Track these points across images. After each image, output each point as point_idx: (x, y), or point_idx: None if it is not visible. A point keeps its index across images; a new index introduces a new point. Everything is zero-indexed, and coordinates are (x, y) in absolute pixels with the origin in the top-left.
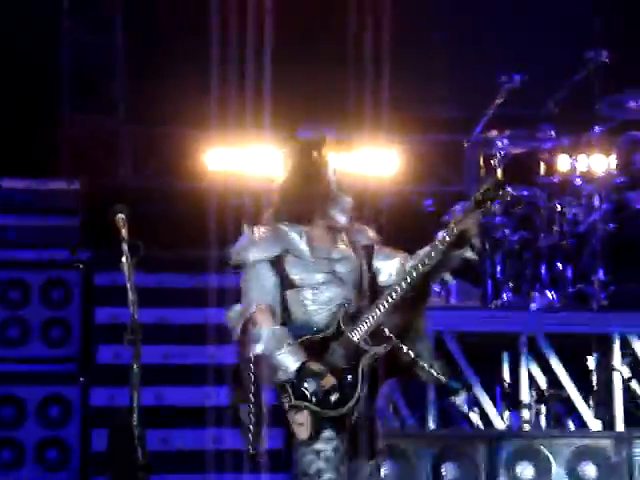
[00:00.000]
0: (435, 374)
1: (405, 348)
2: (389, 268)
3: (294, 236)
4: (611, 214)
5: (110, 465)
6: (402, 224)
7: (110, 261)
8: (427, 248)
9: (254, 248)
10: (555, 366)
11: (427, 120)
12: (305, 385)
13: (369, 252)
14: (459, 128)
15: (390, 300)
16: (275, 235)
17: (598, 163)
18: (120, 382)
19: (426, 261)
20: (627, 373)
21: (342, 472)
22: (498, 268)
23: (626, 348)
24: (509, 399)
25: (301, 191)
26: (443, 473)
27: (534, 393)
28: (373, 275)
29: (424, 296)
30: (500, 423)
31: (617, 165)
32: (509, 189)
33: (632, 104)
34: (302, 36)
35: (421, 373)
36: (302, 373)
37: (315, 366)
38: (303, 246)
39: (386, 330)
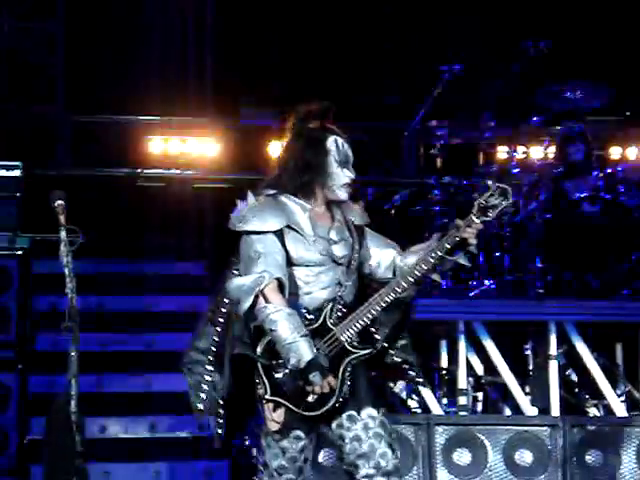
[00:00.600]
0: (420, 379)
1: (392, 352)
2: (380, 258)
3: (297, 210)
4: (549, 204)
5: (48, 452)
6: None
7: (49, 248)
8: (423, 253)
9: (260, 217)
10: (492, 353)
11: (367, 107)
12: (289, 379)
13: (360, 232)
14: (398, 116)
15: (383, 304)
16: (277, 207)
17: (536, 153)
18: (59, 370)
19: (423, 267)
20: (563, 360)
21: (305, 474)
22: None
23: (562, 336)
24: (447, 386)
25: (302, 162)
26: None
27: (471, 380)
28: (363, 257)
29: (411, 295)
30: (438, 409)
31: (555, 155)
32: (509, 195)
33: (569, 95)
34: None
35: (405, 377)
36: (312, 366)
37: (324, 361)
38: (305, 222)
39: (374, 331)
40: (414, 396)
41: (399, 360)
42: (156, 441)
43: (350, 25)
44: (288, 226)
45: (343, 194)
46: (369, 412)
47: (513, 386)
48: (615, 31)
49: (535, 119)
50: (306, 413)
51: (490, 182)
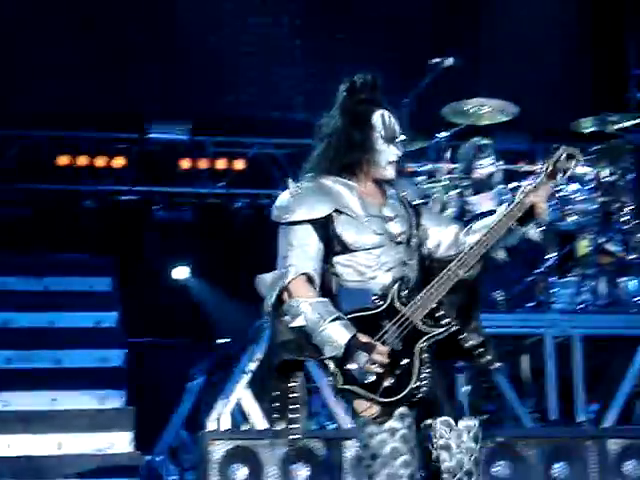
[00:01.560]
0: (495, 364)
1: (464, 335)
2: (440, 237)
3: (344, 191)
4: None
5: None
6: (253, 226)
7: None
8: (490, 223)
9: (298, 206)
10: None
11: (275, 123)
12: (354, 366)
13: (417, 211)
14: (308, 132)
15: (452, 279)
16: (322, 191)
17: (443, 167)
18: None
19: (491, 237)
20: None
21: (417, 455)
22: None
23: None
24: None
25: (346, 139)
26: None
27: None
28: (421, 238)
29: (480, 274)
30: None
31: (460, 170)
32: (579, 157)
33: (477, 110)
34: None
35: (478, 362)
36: (352, 346)
37: (365, 338)
38: (355, 203)
39: (443, 312)
40: (322, 410)
41: (473, 343)
42: (63, 458)
43: (261, 41)
44: (337, 210)
45: (390, 172)
46: (467, 423)
47: None
48: (520, 49)
49: (442, 134)
50: (383, 399)
51: (557, 146)
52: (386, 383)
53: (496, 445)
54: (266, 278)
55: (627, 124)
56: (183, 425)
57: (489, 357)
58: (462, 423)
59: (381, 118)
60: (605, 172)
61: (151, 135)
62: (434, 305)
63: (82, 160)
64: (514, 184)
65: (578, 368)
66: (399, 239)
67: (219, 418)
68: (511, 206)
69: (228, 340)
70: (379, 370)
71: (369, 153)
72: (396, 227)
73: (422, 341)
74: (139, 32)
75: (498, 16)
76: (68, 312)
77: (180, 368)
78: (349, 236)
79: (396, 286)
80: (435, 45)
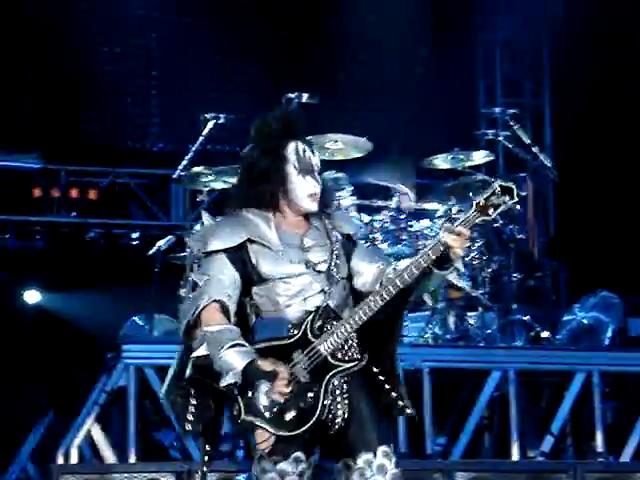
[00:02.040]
0: (406, 408)
1: (375, 371)
2: (368, 272)
3: (259, 222)
4: None
5: None
6: (107, 256)
7: None
8: (408, 263)
9: (213, 237)
10: None
11: (133, 153)
12: (257, 395)
13: (350, 242)
14: (165, 162)
15: (365, 314)
16: (237, 222)
17: None
18: None
19: (406, 277)
20: None
21: None
22: None
23: None
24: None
25: (258, 171)
26: None
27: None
28: (351, 271)
29: (397, 317)
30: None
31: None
32: (514, 194)
33: (330, 145)
34: None
35: (389, 401)
36: (251, 374)
37: (267, 365)
38: (270, 233)
39: (357, 345)
40: (175, 444)
41: (387, 387)
42: None
43: (116, 70)
44: (252, 240)
45: (310, 204)
46: (366, 457)
47: None
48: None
49: None
50: (284, 433)
51: (493, 180)
52: (289, 416)
53: None
54: (183, 307)
55: (478, 162)
56: (31, 458)
57: (402, 403)
58: (360, 459)
59: (295, 150)
60: (455, 208)
61: (2, 163)
62: (345, 339)
63: None
64: (368, 218)
65: (427, 401)
66: (318, 268)
67: (68, 451)
68: (427, 247)
69: (78, 371)
70: (280, 399)
71: (284, 185)
72: (316, 256)
73: (331, 374)
74: None
75: (355, 54)
76: None
77: (30, 401)
78: (263, 266)
79: (310, 317)
80: (292, 80)
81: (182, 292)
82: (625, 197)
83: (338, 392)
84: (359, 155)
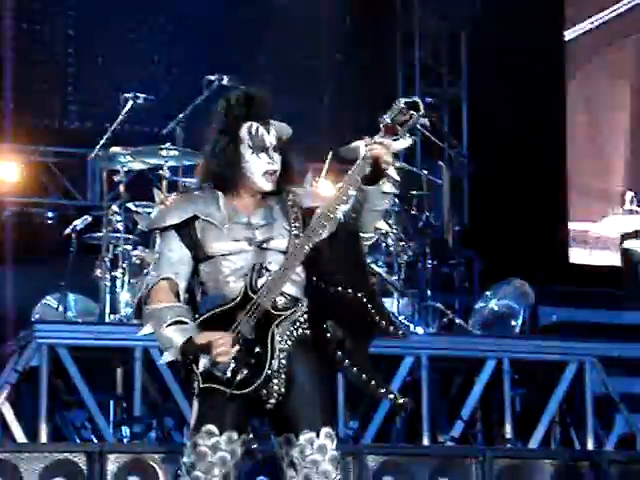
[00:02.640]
0: (390, 326)
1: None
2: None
3: (209, 200)
4: None
5: None
6: (23, 235)
7: None
8: (340, 184)
9: (163, 215)
10: (168, 379)
11: (50, 132)
12: (201, 366)
13: (313, 213)
14: (83, 141)
15: (298, 256)
16: (187, 200)
17: None
18: None
19: (343, 198)
20: None
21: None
22: (118, 284)
23: None
24: (123, 413)
25: (212, 151)
26: None
27: (146, 407)
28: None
29: (356, 250)
30: (110, 437)
31: None
32: (421, 107)
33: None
34: None
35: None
36: (189, 350)
37: (202, 338)
38: (217, 211)
39: (296, 291)
40: (87, 424)
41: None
42: None
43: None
44: (198, 218)
45: (264, 183)
46: (308, 435)
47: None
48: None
49: None
50: (237, 391)
51: (398, 100)
52: (240, 375)
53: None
54: (138, 285)
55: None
56: None
57: (384, 321)
58: (303, 437)
59: (247, 129)
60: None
61: None
62: (285, 285)
63: None
64: None
65: (340, 385)
66: (264, 245)
67: None
68: (355, 166)
69: None
70: (227, 361)
71: (237, 164)
72: (262, 234)
73: (274, 325)
74: None
75: (276, 38)
76: None
77: None
78: (208, 242)
79: (249, 275)
80: (214, 63)
81: (98, 272)
82: (537, 188)
83: (277, 364)
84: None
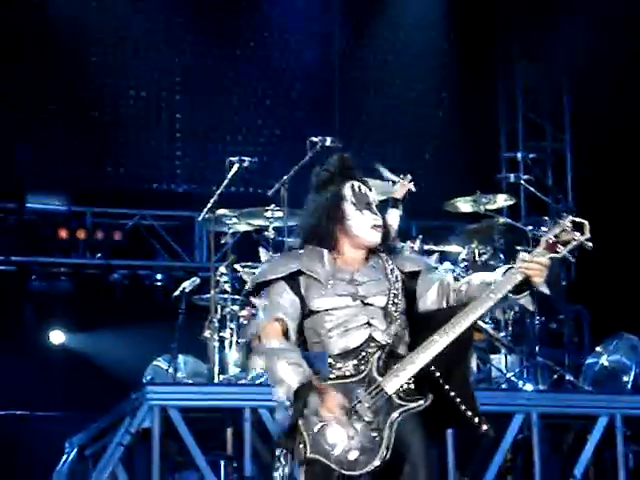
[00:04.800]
0: (484, 428)
1: (453, 396)
2: (430, 295)
3: (313, 257)
4: None
5: None
6: (132, 297)
7: None
8: (481, 294)
9: (270, 269)
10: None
11: (158, 195)
12: (307, 410)
13: (413, 277)
14: (190, 204)
15: (430, 354)
16: (291, 257)
17: None
18: None
19: (478, 312)
20: None
21: None
22: (227, 344)
23: None
24: (234, 474)
25: (317, 211)
26: None
27: (256, 468)
28: (413, 301)
29: (469, 337)
30: None
31: None
32: (586, 231)
33: None
34: None
35: (466, 425)
36: (304, 392)
37: (319, 384)
38: (321, 268)
39: (421, 384)
40: None
41: (470, 414)
42: None
43: (140, 114)
44: (301, 273)
45: (373, 236)
46: None
47: None
48: (395, 130)
49: None
50: (348, 472)
51: (564, 216)
52: (352, 455)
53: None
54: (246, 330)
55: (499, 205)
56: None
57: (485, 426)
58: None
59: (350, 187)
60: (477, 251)
61: (29, 205)
62: (412, 376)
63: None
64: None
65: (450, 443)
66: (368, 301)
67: None
68: (502, 281)
69: (103, 412)
70: (329, 415)
71: (342, 222)
72: (366, 290)
73: (396, 414)
74: (18, 103)
75: (373, 98)
76: None
77: (53, 441)
78: (311, 298)
79: (377, 354)
80: (315, 124)
81: (206, 333)
82: None
83: (400, 430)
84: (383, 198)
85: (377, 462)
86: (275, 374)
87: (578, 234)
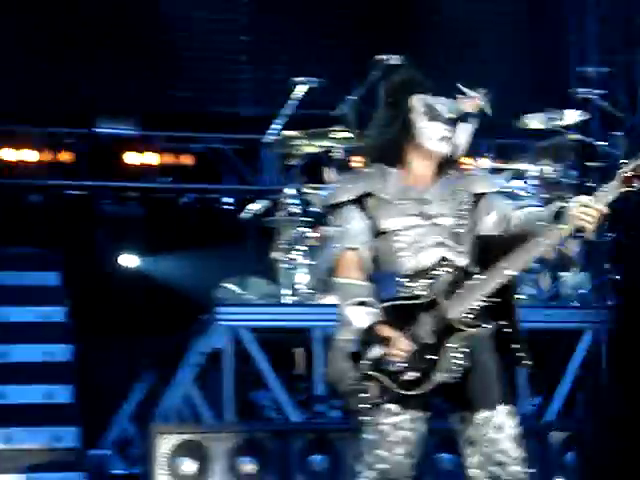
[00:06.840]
0: (524, 360)
1: (501, 325)
2: (488, 219)
3: (379, 176)
4: None
5: None
6: (201, 221)
7: None
8: (545, 223)
9: (339, 192)
10: None
11: (225, 118)
12: (371, 354)
13: (479, 199)
14: (257, 126)
15: (498, 277)
16: (359, 178)
17: None
18: None
19: (544, 242)
20: None
21: (401, 454)
22: (296, 266)
23: None
24: (306, 393)
25: (383, 122)
26: (238, 467)
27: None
28: (474, 223)
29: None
30: (296, 417)
31: None
32: None
33: None
34: None
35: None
36: (369, 335)
37: (384, 331)
38: (389, 186)
39: (484, 310)
40: (271, 404)
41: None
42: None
43: (207, 37)
44: (369, 194)
45: (442, 147)
46: (484, 414)
47: None
48: (461, 48)
49: None
50: (402, 391)
51: None
52: (408, 376)
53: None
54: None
55: (571, 121)
56: (131, 419)
57: (523, 354)
58: (479, 415)
59: (420, 99)
60: (548, 169)
61: (99, 129)
62: (474, 303)
63: (29, 155)
64: None
65: None
66: (436, 221)
67: (167, 412)
68: (560, 225)
69: (176, 334)
70: (396, 363)
71: (409, 132)
72: (435, 208)
73: (454, 338)
74: (87, 27)
75: (439, 16)
76: (16, 306)
77: (129, 362)
78: (379, 218)
79: (446, 275)
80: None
81: (275, 255)
82: None
83: (457, 353)
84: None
85: (430, 384)
86: (344, 314)
87: None
